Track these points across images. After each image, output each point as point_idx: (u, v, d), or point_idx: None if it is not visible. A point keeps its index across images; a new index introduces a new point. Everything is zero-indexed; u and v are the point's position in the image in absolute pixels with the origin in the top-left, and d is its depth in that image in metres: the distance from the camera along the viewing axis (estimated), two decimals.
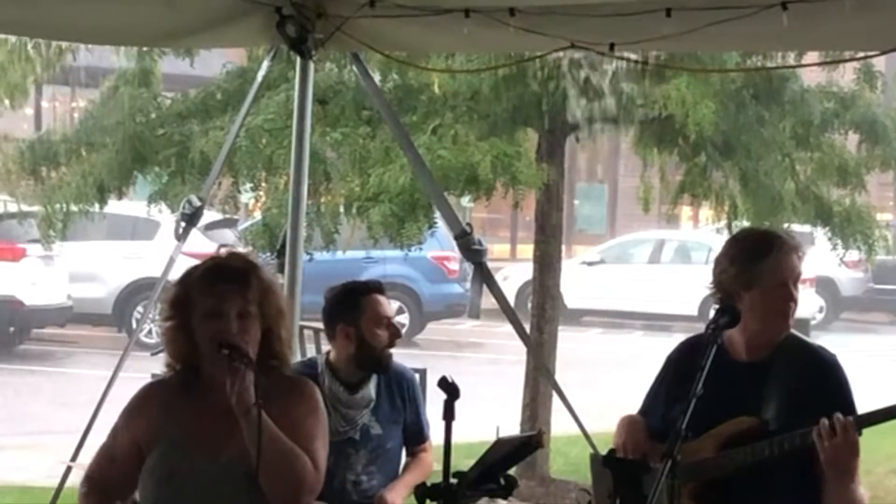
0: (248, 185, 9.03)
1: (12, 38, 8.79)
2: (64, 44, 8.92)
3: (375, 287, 5.25)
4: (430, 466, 5.35)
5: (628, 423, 4.35)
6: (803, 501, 4.05)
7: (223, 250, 4.05)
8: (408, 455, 5.42)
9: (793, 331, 4.24)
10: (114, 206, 9.64)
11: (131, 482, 3.90)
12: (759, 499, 4.05)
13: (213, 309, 3.79)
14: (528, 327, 8.43)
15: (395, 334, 5.21)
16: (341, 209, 8.74)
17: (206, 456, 3.80)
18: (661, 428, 4.21)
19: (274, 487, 3.70)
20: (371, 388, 5.23)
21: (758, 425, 4.03)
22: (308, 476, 3.78)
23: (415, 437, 5.39)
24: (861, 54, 7.25)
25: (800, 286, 4.16)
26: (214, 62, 9.33)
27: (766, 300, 4.09)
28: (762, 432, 4.02)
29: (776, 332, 4.14)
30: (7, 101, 9.40)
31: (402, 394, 5.32)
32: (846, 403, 4.06)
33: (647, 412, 4.38)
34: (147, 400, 3.95)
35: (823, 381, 4.11)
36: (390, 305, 5.32)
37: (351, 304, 5.16)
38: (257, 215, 9.91)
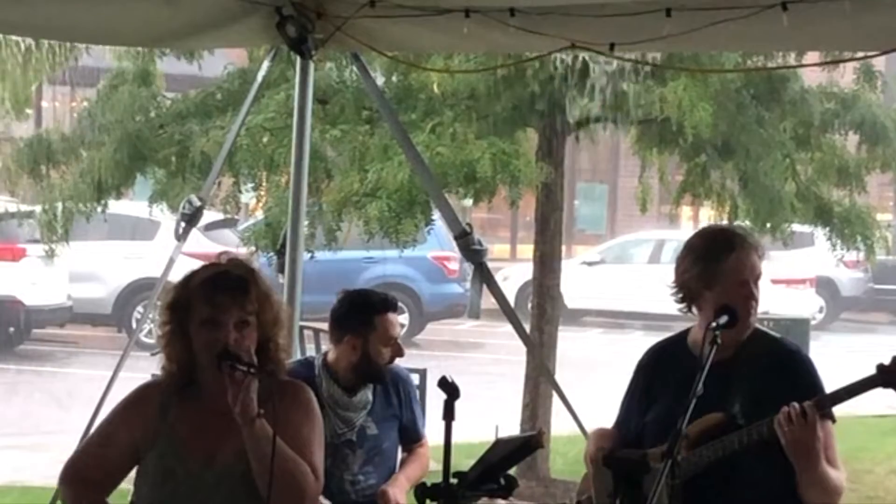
0: (250, 185, 9.03)
1: (17, 45, 8.81)
2: (70, 45, 8.94)
3: (391, 306, 5.24)
4: (428, 460, 5.37)
5: (599, 436, 4.38)
6: (778, 488, 4.06)
7: (223, 257, 4.03)
8: (404, 452, 5.43)
9: (756, 325, 4.25)
10: (114, 205, 9.64)
11: (115, 478, 3.89)
12: (735, 490, 4.07)
13: (210, 318, 3.78)
14: (528, 327, 8.44)
15: (397, 353, 5.22)
16: (342, 207, 8.73)
17: (201, 459, 3.80)
18: (638, 435, 4.23)
19: (275, 495, 3.68)
20: (368, 391, 5.24)
21: (725, 420, 4.05)
22: (310, 486, 3.78)
23: (411, 436, 5.40)
24: (861, 54, 7.25)
25: (760, 285, 4.16)
26: (216, 63, 9.34)
27: (727, 299, 4.10)
28: (730, 427, 4.03)
29: (739, 330, 4.14)
30: (12, 112, 9.44)
31: (397, 393, 5.33)
32: (814, 388, 4.07)
33: (622, 422, 4.39)
34: (144, 400, 3.94)
35: (788, 369, 4.14)
36: (399, 324, 5.31)
37: (364, 318, 5.15)
38: (258, 215, 9.92)
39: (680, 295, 4.24)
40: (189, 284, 3.87)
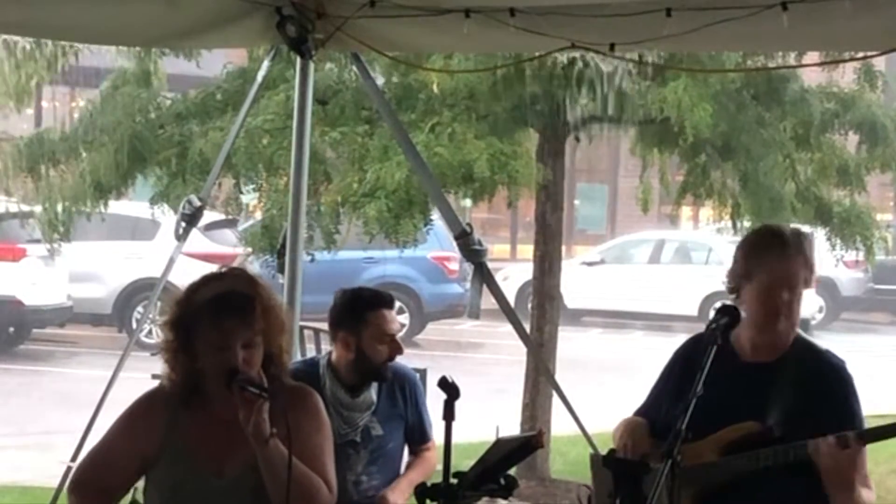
0: (251, 186, 9.02)
1: (17, 41, 8.79)
2: (66, 44, 8.92)
3: (384, 302, 5.20)
4: (434, 464, 5.33)
5: (630, 425, 4.33)
6: None
7: (224, 268, 3.99)
8: (411, 454, 5.42)
9: (802, 334, 4.23)
10: (114, 206, 9.63)
11: (122, 487, 3.88)
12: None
13: (218, 343, 3.74)
14: (528, 327, 8.43)
15: (396, 350, 5.18)
16: (340, 208, 8.73)
17: (210, 470, 3.78)
18: (665, 424, 4.19)
19: None
20: (372, 392, 5.22)
21: (761, 431, 4.02)
22: (323, 498, 3.78)
23: (417, 437, 5.38)
24: (861, 54, 7.24)
25: (801, 291, 4.12)
26: (215, 62, 9.33)
27: (759, 297, 4.12)
28: (766, 438, 4.01)
29: (773, 332, 4.13)
30: (12, 104, 9.39)
31: (403, 394, 5.31)
32: (851, 412, 4.06)
33: (649, 408, 4.36)
34: (149, 409, 3.91)
35: (830, 388, 4.10)
36: (396, 321, 5.27)
37: (357, 314, 5.14)
38: (258, 216, 9.91)
39: (730, 285, 4.24)
40: (192, 302, 3.82)
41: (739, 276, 4.19)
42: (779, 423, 4.03)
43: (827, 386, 4.10)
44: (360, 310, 5.14)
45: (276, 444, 3.66)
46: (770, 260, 4.12)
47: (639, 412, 4.42)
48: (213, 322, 3.75)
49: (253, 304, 3.79)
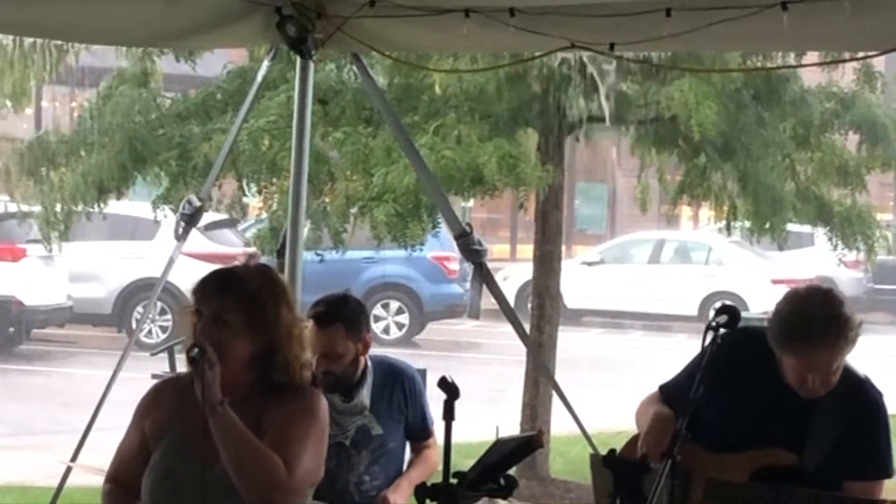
0: (254, 188, 9.03)
1: (11, 40, 8.80)
2: (65, 44, 8.93)
3: (320, 317, 5.03)
4: (436, 463, 5.28)
5: (660, 422, 4.19)
6: None
7: (241, 258, 4.05)
8: (412, 451, 5.39)
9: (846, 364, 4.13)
10: (114, 206, 9.64)
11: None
12: None
13: (194, 308, 3.82)
14: (528, 327, 8.43)
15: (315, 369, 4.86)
16: (348, 209, 8.73)
17: (203, 458, 3.79)
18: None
19: (242, 485, 3.71)
20: (364, 396, 5.19)
21: (795, 466, 3.99)
22: (276, 475, 3.75)
23: (418, 433, 5.34)
24: (861, 54, 7.25)
25: (838, 365, 4.01)
26: (215, 62, 9.32)
27: (789, 373, 4.04)
28: (798, 475, 3.98)
29: (812, 393, 4.05)
30: (9, 104, 9.41)
31: (402, 391, 5.29)
32: (879, 450, 4.06)
33: (677, 397, 4.19)
34: (159, 397, 3.98)
35: (868, 426, 4.08)
36: (325, 345, 5.03)
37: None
38: (261, 215, 9.90)
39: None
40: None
41: (771, 342, 4.06)
42: (815, 460, 4.01)
43: (865, 426, 4.07)
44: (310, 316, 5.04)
45: (226, 412, 3.69)
46: (796, 352, 4.00)
47: (666, 390, 4.34)
48: (194, 289, 3.84)
49: (240, 285, 3.82)
